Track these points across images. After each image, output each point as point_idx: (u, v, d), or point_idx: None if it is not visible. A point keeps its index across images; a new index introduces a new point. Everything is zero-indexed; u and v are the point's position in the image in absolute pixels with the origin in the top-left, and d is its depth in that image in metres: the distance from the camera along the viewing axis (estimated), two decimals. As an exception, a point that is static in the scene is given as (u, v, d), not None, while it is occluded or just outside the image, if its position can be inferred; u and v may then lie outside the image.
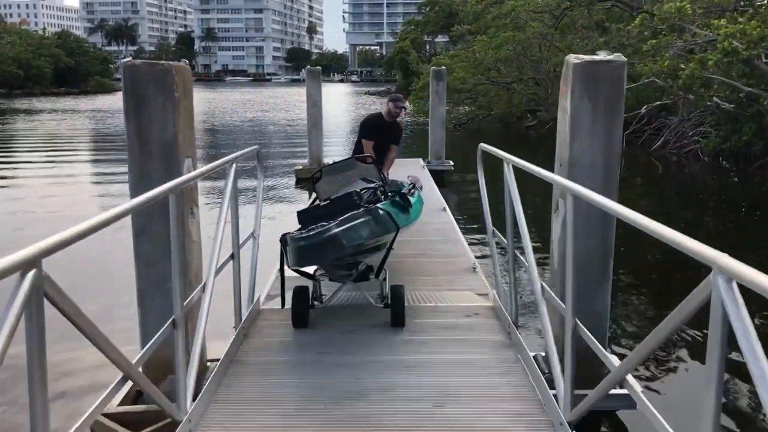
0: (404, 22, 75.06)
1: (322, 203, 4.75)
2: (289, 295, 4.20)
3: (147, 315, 3.44)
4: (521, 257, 3.65)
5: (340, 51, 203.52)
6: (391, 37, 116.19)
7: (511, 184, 3.62)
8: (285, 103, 52.10)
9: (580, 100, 3.41)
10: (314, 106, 13.47)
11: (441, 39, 59.51)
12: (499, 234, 4.31)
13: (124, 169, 3.55)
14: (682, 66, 13.65)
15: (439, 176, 12.66)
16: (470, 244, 7.07)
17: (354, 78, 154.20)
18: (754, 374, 1.33)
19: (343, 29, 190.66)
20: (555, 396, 2.92)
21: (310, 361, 3.55)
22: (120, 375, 2.01)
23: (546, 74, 25.19)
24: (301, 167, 13.68)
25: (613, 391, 2.73)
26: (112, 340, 1.90)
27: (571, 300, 2.61)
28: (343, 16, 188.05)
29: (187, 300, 2.94)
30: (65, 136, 25.77)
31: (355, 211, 3.87)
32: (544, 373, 3.41)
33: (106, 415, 3.18)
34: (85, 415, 1.88)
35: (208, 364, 3.75)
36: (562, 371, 2.76)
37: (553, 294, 3.09)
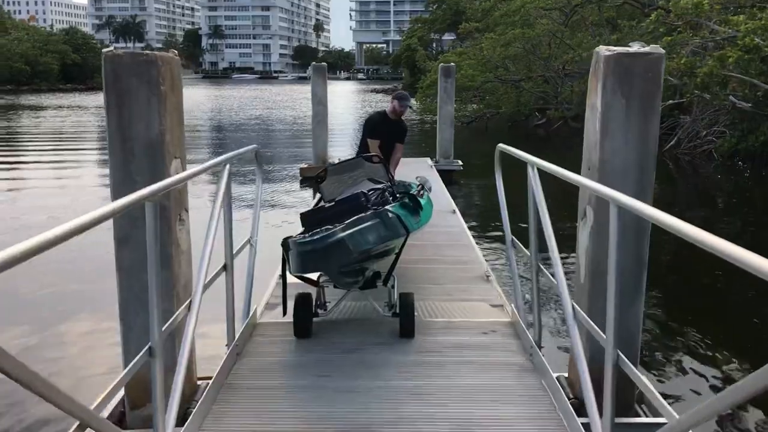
0: (411, 19, 74.74)
1: (327, 204, 4.45)
2: (290, 303, 3.90)
3: (129, 332, 3.11)
4: (546, 272, 3.30)
5: (347, 49, 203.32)
6: (398, 35, 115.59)
7: (536, 189, 3.25)
8: (291, 100, 51.80)
9: (613, 96, 3.05)
10: (319, 103, 13.10)
11: (448, 37, 59.03)
12: (520, 244, 3.96)
13: None
14: (698, 63, 13.24)
15: (447, 176, 12.31)
16: (482, 248, 6.73)
17: (360, 76, 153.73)
18: None
19: (350, 27, 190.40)
20: (584, 425, 2.59)
21: (310, 385, 3.19)
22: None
23: (555, 72, 24.78)
24: (305, 166, 13.35)
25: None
26: (95, 359, 1.58)
27: (613, 328, 2.25)
28: (350, 14, 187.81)
29: (169, 322, 2.59)
30: (69, 132, 25.54)
31: (363, 214, 3.64)
32: (569, 398, 3.08)
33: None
34: None
35: (199, 383, 3.43)
36: (599, 410, 2.39)
37: (588, 319, 2.69)
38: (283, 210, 10.62)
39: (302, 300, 3.89)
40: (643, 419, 3.15)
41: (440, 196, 8.72)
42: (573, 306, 2.82)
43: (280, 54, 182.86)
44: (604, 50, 3.12)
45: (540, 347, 3.41)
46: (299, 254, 3.49)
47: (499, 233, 8.46)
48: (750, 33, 11.70)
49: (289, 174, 14.36)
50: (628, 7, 21.99)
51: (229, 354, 3.38)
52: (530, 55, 25.56)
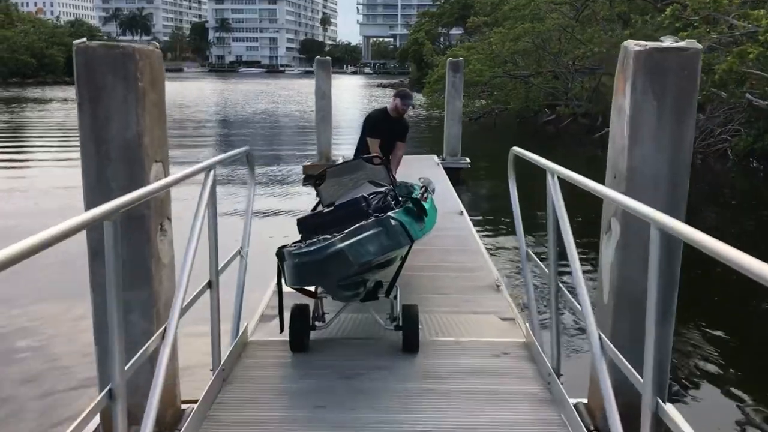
0: (419, 13, 74.10)
1: (326, 209, 4.15)
2: (287, 315, 3.61)
3: (106, 355, 2.81)
4: (568, 294, 2.97)
5: (354, 43, 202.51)
6: (405, 29, 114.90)
7: (557, 199, 2.93)
8: (297, 94, 51.46)
9: (643, 97, 2.72)
10: (323, 98, 12.76)
11: (456, 31, 58.47)
12: (536, 258, 3.64)
13: None
14: (715, 60, 12.83)
15: (454, 174, 11.97)
16: (491, 253, 6.41)
17: (367, 70, 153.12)
18: None
19: (357, 21, 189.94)
20: None
21: (303, 418, 2.86)
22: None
23: (565, 67, 24.36)
24: (309, 163, 13.03)
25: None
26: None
27: (651, 371, 1.92)
28: (357, 8, 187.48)
29: (138, 355, 2.28)
30: (71, 127, 25.30)
31: (364, 222, 3.37)
32: (589, 430, 2.77)
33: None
34: None
35: (184, 407, 3.12)
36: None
37: (621, 357, 2.32)
38: (282, 215, 10.06)
39: (299, 312, 3.63)
40: None
41: (446, 197, 8.39)
42: (600, 337, 2.48)
43: (287, 48, 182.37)
44: (633, 45, 2.78)
45: (559, 375, 3.08)
46: (295, 266, 3.25)
47: (510, 236, 8.12)
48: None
49: (293, 172, 14.02)
50: (639, 2, 21.52)
51: (214, 379, 3.07)
52: (540, 50, 25.14)
